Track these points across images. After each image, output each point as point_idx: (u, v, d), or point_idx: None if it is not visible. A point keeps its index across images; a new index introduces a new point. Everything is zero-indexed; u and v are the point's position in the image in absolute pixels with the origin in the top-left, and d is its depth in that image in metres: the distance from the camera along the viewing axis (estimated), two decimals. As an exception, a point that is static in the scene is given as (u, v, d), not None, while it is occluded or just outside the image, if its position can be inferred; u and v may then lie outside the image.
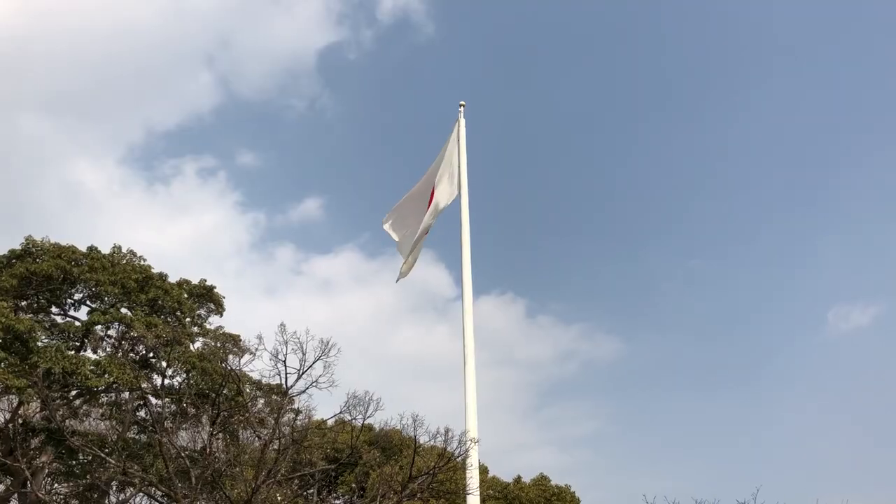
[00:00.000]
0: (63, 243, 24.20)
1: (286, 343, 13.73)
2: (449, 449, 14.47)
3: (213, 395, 19.02)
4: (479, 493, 14.71)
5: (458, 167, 18.05)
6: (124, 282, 23.83)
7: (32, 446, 22.62)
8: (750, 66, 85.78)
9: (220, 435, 20.33)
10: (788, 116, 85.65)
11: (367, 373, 61.64)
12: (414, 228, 18.37)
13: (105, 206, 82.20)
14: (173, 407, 22.45)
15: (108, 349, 24.19)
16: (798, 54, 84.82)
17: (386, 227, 19.05)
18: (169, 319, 24.61)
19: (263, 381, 23.96)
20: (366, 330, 79.04)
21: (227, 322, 27.01)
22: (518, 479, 35.46)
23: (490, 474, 34.77)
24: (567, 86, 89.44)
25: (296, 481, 16.63)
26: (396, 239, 18.99)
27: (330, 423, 19.12)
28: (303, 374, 13.99)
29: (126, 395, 24.74)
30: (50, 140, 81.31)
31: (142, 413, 25.45)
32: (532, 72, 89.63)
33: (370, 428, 26.26)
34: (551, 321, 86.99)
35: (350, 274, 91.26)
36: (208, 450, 14.90)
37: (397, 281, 18.74)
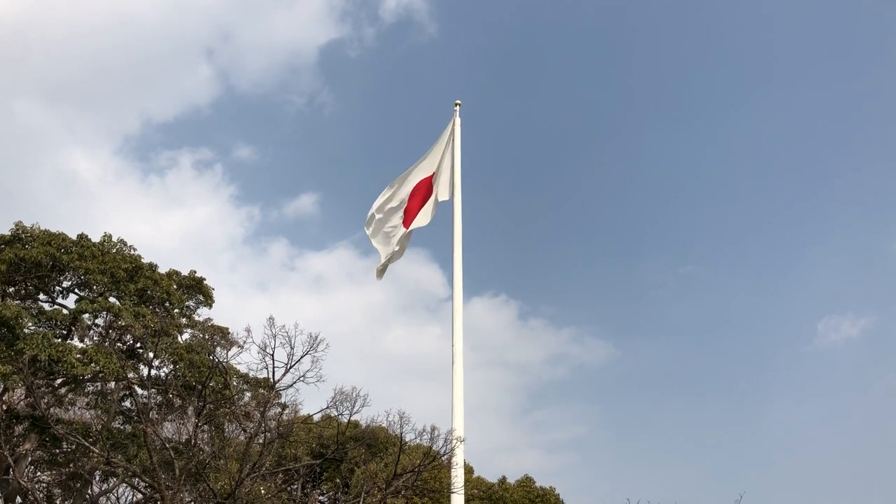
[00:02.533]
0: (53, 230, 24.08)
1: (274, 337, 13.72)
2: (435, 447, 14.49)
3: (200, 387, 18.95)
4: (463, 492, 14.72)
5: (452, 167, 18.06)
6: (113, 271, 23.72)
7: (16, 433, 22.50)
8: (744, 75, 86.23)
9: (206, 427, 20.29)
10: (782, 126, 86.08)
11: (356, 370, 61.73)
12: (396, 225, 18.25)
13: (98, 196, 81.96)
14: (159, 398, 22.38)
15: (95, 338, 24.08)
16: (791, 64, 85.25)
17: (368, 231, 18.78)
18: (157, 310, 24.52)
19: (251, 375, 23.94)
20: (357, 327, 79.03)
21: (219, 316, 26.96)
22: (503, 480, 35.51)
23: (475, 474, 34.82)
24: (566, 90, 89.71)
25: (280, 475, 16.61)
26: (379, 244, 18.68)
27: (316, 418, 19.14)
28: (290, 368, 13.97)
29: (112, 384, 24.64)
30: (45, 128, 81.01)
31: (127, 403, 25.37)
32: (532, 74, 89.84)
33: (356, 424, 26.23)
34: (543, 324, 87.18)
35: (343, 271, 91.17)
36: (193, 441, 14.86)
37: (379, 277, 18.61)
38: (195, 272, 26.41)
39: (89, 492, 24.99)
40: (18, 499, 22.82)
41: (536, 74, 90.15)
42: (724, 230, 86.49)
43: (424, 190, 18.22)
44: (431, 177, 18.33)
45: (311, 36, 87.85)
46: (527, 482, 35.61)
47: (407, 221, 18.23)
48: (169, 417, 22.37)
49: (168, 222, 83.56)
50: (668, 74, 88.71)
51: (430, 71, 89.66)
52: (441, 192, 18.03)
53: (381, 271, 18.47)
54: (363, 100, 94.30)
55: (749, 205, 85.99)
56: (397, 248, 18.13)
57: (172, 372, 23.09)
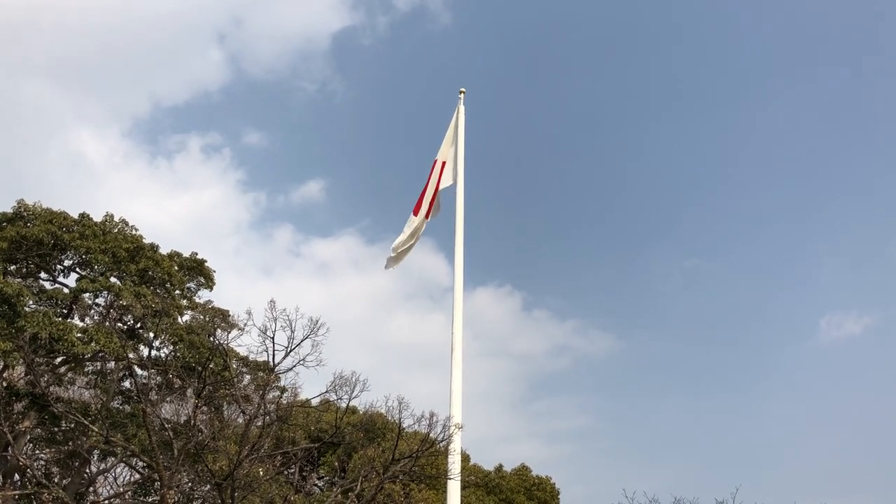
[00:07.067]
0: (55, 209, 24.04)
1: (275, 320, 13.75)
2: (433, 434, 14.54)
3: (200, 368, 18.99)
4: (460, 478, 14.78)
5: (455, 154, 18.07)
6: (115, 251, 23.70)
7: (15, 411, 22.55)
8: (754, 70, 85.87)
9: (205, 409, 20.34)
10: (791, 122, 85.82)
11: (358, 357, 62.19)
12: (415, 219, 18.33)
13: (105, 178, 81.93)
14: (159, 378, 22.42)
15: (95, 317, 24.09)
16: (799, 61, 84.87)
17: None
18: (158, 291, 24.51)
19: (251, 358, 23.95)
20: (361, 315, 79.20)
21: (223, 300, 26.95)
22: (499, 468, 35.62)
23: (472, 462, 34.91)
24: (575, 81, 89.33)
25: (278, 458, 16.66)
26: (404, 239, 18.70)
27: (315, 402, 19.17)
28: (290, 351, 14.01)
29: (112, 364, 24.67)
30: (54, 108, 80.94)
31: (126, 383, 25.41)
32: (542, 65, 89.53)
33: (354, 410, 26.28)
34: (547, 315, 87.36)
35: (348, 258, 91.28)
36: (192, 422, 14.90)
37: (386, 268, 18.66)
38: (196, 254, 26.39)
39: (87, 470, 25.08)
40: (16, 476, 22.91)
41: (547, 65, 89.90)
42: (731, 224, 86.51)
43: (437, 176, 18.29)
44: (443, 164, 18.40)
45: (323, 23, 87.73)
46: (523, 471, 35.73)
47: (417, 209, 18.27)
48: (168, 398, 22.43)
49: (175, 206, 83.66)
50: (676, 68, 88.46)
51: (442, 61, 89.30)
52: (445, 180, 18.09)
53: (394, 259, 18.45)
54: (374, 88, 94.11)
55: (756, 199, 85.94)
56: (407, 237, 18.15)
57: (172, 353, 23.12)
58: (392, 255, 18.39)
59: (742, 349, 77.24)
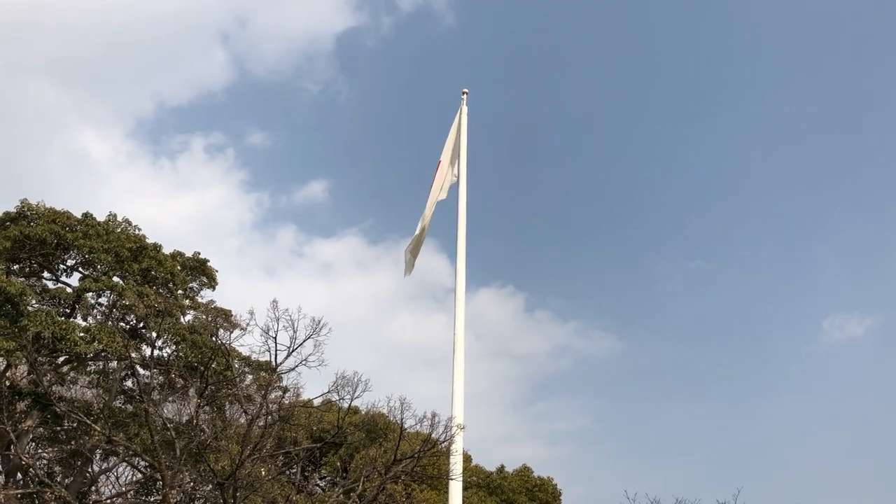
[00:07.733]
0: (58, 208, 24.09)
1: (278, 320, 13.78)
2: (434, 435, 14.56)
3: (202, 368, 19.03)
4: (461, 479, 14.79)
5: (458, 155, 18.11)
6: (118, 250, 23.75)
7: (18, 410, 22.60)
8: (758, 73, 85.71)
9: (207, 408, 20.38)
10: (794, 125, 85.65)
11: (361, 357, 62.17)
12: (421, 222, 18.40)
13: (108, 178, 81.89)
14: (161, 378, 22.47)
15: (98, 317, 24.12)
16: (802, 63, 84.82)
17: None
18: (161, 290, 24.55)
19: (253, 358, 23.98)
20: (363, 315, 79.18)
21: (226, 300, 26.94)
22: (501, 469, 35.62)
23: (473, 462, 34.91)
24: (579, 82, 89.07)
25: (280, 458, 16.69)
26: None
27: (317, 402, 19.20)
28: (293, 351, 14.04)
29: (114, 363, 24.72)
30: (58, 108, 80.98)
31: (129, 383, 25.45)
32: (546, 66, 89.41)
33: (356, 410, 26.29)
34: (549, 316, 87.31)
35: (351, 259, 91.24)
36: (194, 422, 14.93)
37: (406, 276, 18.71)
38: (199, 253, 26.43)
39: (90, 470, 25.12)
40: (19, 475, 22.95)
41: (550, 67, 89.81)
42: (734, 226, 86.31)
43: (440, 179, 18.37)
44: (447, 167, 18.46)
45: (327, 24, 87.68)
46: (525, 472, 35.72)
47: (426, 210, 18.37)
48: (170, 398, 22.47)
49: (178, 206, 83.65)
50: (680, 70, 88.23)
51: (446, 62, 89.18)
52: (447, 181, 18.14)
53: (409, 262, 18.50)
54: (378, 89, 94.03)
55: (759, 202, 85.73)
56: (416, 237, 18.20)
57: (175, 352, 23.16)
58: (407, 258, 18.48)
59: (744, 351, 77.23)
